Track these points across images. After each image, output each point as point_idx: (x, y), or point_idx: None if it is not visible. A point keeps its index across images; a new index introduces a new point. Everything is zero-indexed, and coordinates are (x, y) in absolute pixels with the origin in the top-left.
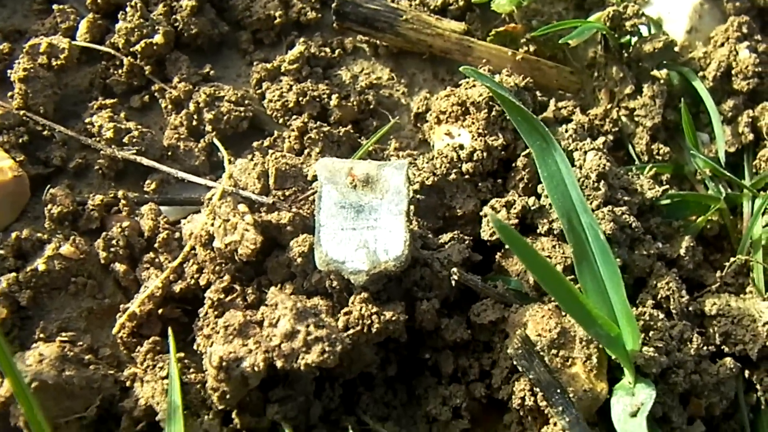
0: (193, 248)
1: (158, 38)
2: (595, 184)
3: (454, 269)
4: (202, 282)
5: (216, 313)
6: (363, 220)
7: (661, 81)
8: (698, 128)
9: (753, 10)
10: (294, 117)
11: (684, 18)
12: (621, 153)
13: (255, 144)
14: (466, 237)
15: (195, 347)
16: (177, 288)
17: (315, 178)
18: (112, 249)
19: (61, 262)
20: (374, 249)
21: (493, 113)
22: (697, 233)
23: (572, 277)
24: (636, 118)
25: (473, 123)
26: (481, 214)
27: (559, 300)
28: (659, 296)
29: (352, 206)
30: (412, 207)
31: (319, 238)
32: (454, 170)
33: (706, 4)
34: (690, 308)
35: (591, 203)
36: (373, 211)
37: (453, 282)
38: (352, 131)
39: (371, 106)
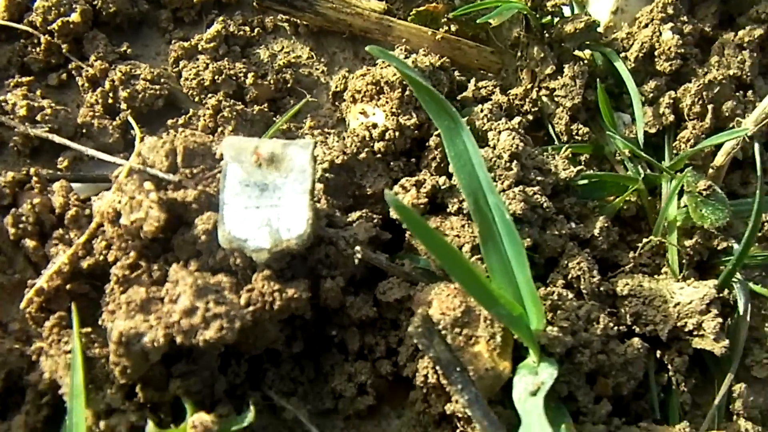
0: (101, 225)
1: (75, 17)
2: (507, 164)
3: (358, 248)
4: (110, 258)
5: (121, 289)
6: (267, 199)
7: (583, 61)
8: (620, 109)
9: None
10: (210, 95)
11: None
12: (541, 133)
13: (170, 122)
14: (375, 216)
15: (100, 322)
16: (85, 264)
17: (222, 156)
18: (21, 225)
19: None
20: (277, 227)
21: (407, 93)
22: (614, 214)
23: (480, 256)
24: (556, 99)
25: (387, 102)
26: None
27: (458, 279)
28: (570, 276)
29: (256, 185)
30: (317, 186)
31: (222, 216)
32: (366, 149)
33: None
34: (601, 288)
35: (502, 183)
36: (277, 190)
37: (356, 260)
38: (267, 110)
39: (289, 85)
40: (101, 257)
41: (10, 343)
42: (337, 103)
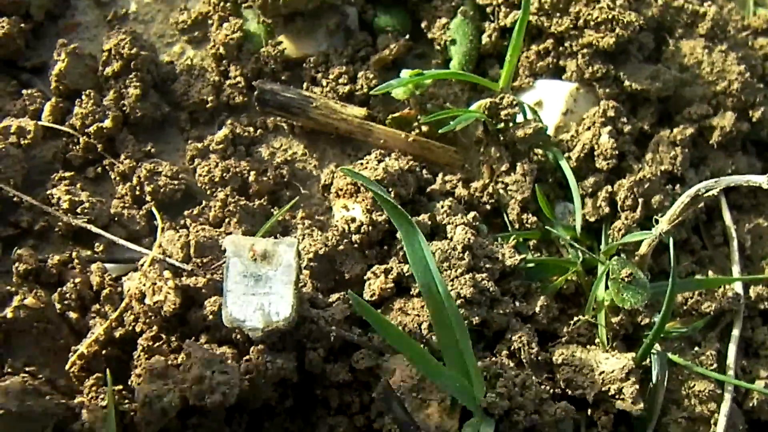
0: (129, 302)
1: (108, 122)
2: (460, 255)
3: (333, 327)
4: (137, 330)
5: (146, 356)
6: (260, 288)
7: (533, 160)
8: (568, 198)
9: (623, 95)
10: (219, 189)
11: (560, 101)
12: (498, 220)
13: (186, 213)
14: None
15: (130, 383)
16: (117, 334)
17: (225, 251)
18: (66, 300)
19: (26, 310)
20: (268, 311)
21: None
22: (555, 292)
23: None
24: (510, 192)
25: (363, 200)
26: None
27: (413, 361)
28: (513, 347)
29: (252, 275)
30: (303, 273)
31: (225, 300)
32: (345, 241)
33: (582, 89)
34: (539, 358)
35: (456, 270)
36: (268, 281)
37: (332, 337)
38: (266, 202)
39: (285, 179)
40: (130, 328)
41: (58, 398)
42: (326, 194)
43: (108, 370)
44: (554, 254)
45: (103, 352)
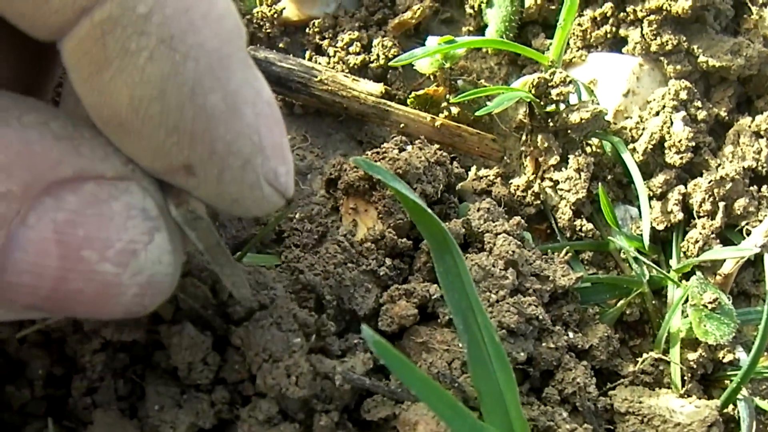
0: None
1: None
2: (502, 273)
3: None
4: None
5: None
6: None
7: (588, 153)
8: (629, 200)
9: (696, 73)
10: None
11: (620, 80)
12: (544, 226)
13: None
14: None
15: None
16: None
17: None
18: None
19: None
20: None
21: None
22: (616, 319)
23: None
24: (560, 192)
25: (379, 200)
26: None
27: (439, 413)
28: (565, 391)
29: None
30: None
31: None
32: (350, 263)
33: (646, 65)
34: (598, 405)
35: (496, 293)
36: None
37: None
38: None
39: None
40: None
41: None
42: (331, 191)
43: None
44: (612, 270)
45: None
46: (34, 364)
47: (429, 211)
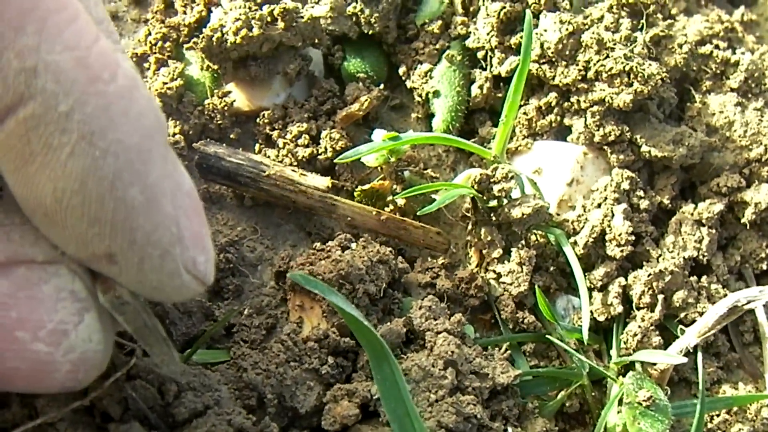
0: None
1: None
2: (442, 372)
3: None
4: None
5: None
6: None
7: (531, 244)
8: (572, 289)
9: (639, 162)
10: None
11: (565, 168)
12: (488, 316)
13: None
14: None
15: None
16: None
17: None
18: None
19: None
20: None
21: (344, 290)
22: (555, 411)
23: None
24: (502, 285)
25: (323, 299)
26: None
27: None
28: None
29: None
30: None
31: None
32: (293, 361)
33: (590, 154)
34: None
35: (435, 393)
36: None
37: None
38: (204, 297)
39: (231, 265)
40: None
41: None
42: (280, 283)
43: None
44: (555, 359)
45: None
46: None
47: (366, 323)
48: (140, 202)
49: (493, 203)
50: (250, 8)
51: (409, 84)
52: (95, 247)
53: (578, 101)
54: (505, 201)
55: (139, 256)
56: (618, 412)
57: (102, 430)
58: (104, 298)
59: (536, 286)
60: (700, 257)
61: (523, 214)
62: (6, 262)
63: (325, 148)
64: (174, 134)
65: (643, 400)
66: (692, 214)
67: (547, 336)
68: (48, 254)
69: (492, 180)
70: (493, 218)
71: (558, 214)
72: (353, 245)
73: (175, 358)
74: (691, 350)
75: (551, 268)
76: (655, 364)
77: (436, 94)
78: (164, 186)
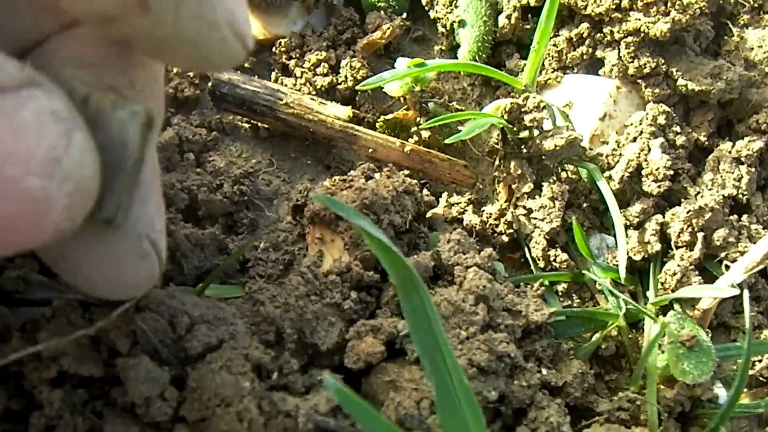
0: None
1: None
2: (473, 308)
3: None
4: None
5: None
6: None
7: (563, 180)
8: (606, 228)
9: (675, 97)
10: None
11: (597, 103)
12: (517, 255)
13: None
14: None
15: None
16: None
17: None
18: None
19: None
20: None
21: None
22: (590, 353)
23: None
24: (533, 220)
25: (346, 230)
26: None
27: None
28: (539, 430)
29: None
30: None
31: None
32: (314, 295)
33: (623, 88)
34: None
35: (466, 330)
36: None
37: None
38: (219, 230)
39: (246, 198)
40: None
41: None
42: (297, 218)
43: None
44: (588, 301)
45: None
46: None
47: (395, 249)
48: None
49: (524, 134)
50: None
51: (432, 14)
52: None
53: (611, 32)
54: (536, 132)
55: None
56: (660, 351)
57: (109, 366)
58: (102, 99)
59: (574, 219)
60: (740, 196)
61: (555, 146)
62: None
63: (345, 78)
64: None
65: (687, 340)
66: (730, 152)
67: (583, 273)
68: (17, 77)
69: (523, 109)
70: (524, 151)
71: (590, 149)
72: (377, 175)
73: (128, 214)
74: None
75: (584, 205)
76: (695, 305)
77: (462, 23)
78: None
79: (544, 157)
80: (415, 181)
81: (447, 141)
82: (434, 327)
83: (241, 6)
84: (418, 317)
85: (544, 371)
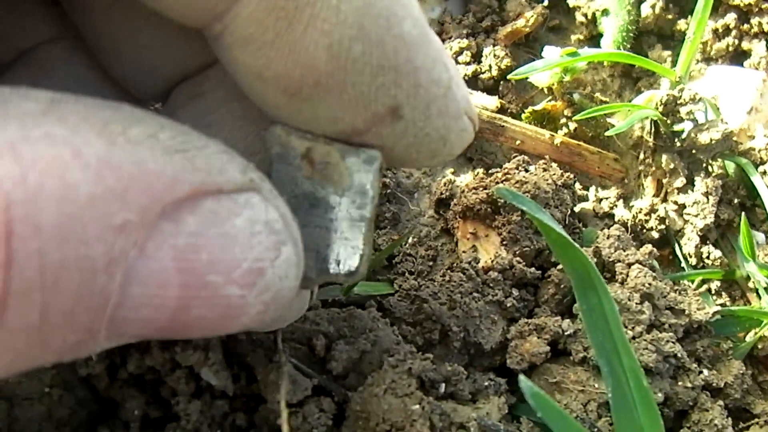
0: None
1: None
2: (639, 307)
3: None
4: None
5: None
6: (316, 217)
7: (716, 175)
8: (753, 224)
9: None
10: None
11: (744, 96)
12: (666, 251)
13: None
14: (498, 379)
15: None
16: None
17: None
18: None
19: None
20: (324, 256)
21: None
22: (746, 354)
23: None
24: (686, 216)
25: (504, 225)
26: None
27: None
28: None
29: (305, 196)
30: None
31: None
32: (476, 292)
33: None
34: None
35: (633, 329)
36: (329, 210)
37: None
38: None
39: (387, 191)
40: None
41: None
42: (441, 212)
43: None
44: (738, 300)
45: None
46: (130, 405)
47: (575, 245)
48: (415, 38)
49: (678, 127)
50: None
51: (571, 3)
52: (380, 102)
53: (759, 23)
54: (690, 126)
55: (425, 101)
56: None
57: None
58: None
59: (743, 216)
60: None
61: (711, 140)
62: (192, 194)
63: (489, 66)
64: None
65: None
66: None
67: (737, 267)
68: (237, 181)
69: (679, 102)
70: (677, 144)
71: (740, 144)
72: (531, 168)
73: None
74: None
75: (734, 201)
76: None
77: (605, 12)
78: (422, 16)
79: (697, 150)
80: (571, 175)
81: (607, 133)
82: (612, 327)
83: (464, 84)
84: (596, 317)
85: (706, 372)
